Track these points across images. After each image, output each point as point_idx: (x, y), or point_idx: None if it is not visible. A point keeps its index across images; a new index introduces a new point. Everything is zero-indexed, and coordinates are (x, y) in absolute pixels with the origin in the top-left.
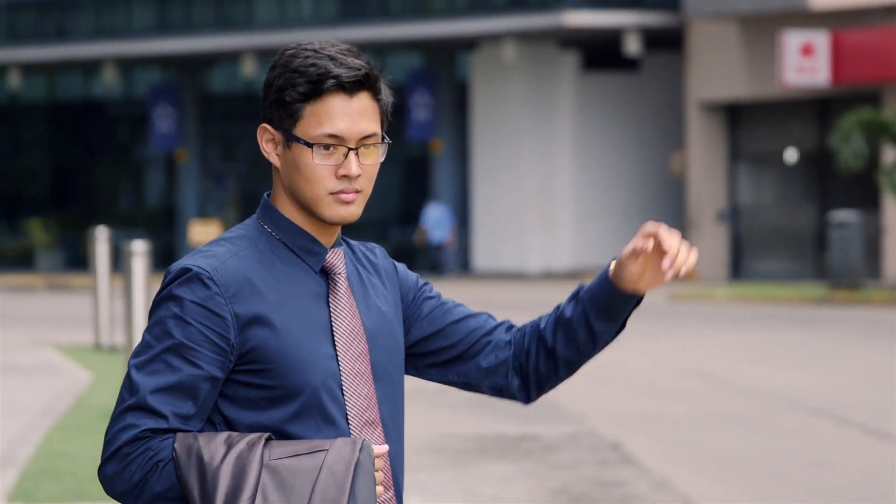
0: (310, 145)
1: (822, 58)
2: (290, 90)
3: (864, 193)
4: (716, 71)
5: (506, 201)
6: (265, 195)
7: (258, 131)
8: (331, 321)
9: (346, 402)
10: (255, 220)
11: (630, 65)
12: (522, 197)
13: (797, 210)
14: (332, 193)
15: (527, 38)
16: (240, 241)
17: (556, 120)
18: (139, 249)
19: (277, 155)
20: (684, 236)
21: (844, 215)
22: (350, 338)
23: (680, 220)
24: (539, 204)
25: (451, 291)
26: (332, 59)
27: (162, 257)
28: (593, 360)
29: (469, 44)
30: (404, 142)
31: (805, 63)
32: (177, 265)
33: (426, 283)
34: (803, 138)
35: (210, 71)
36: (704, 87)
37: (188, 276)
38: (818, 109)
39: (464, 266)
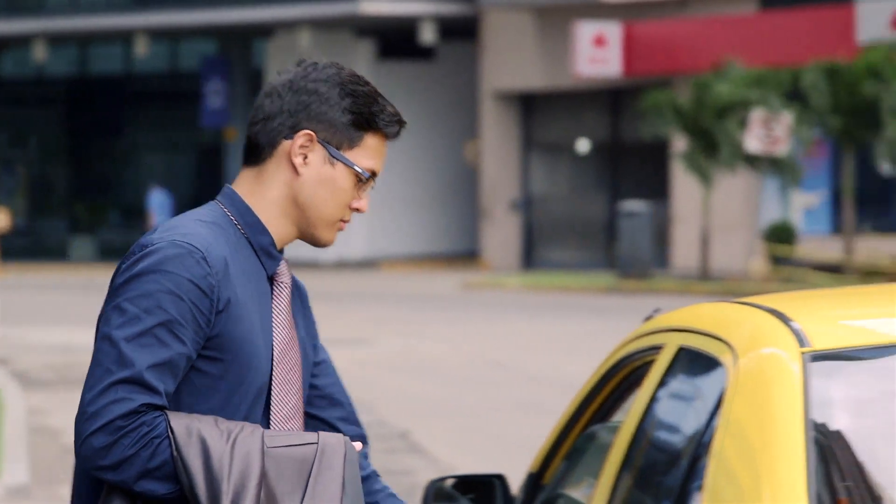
0: (361, 173)
1: (614, 49)
2: (361, 117)
3: (654, 184)
4: (510, 61)
5: None
6: (228, 187)
7: (300, 135)
8: (272, 328)
9: (272, 410)
10: (222, 210)
11: (425, 53)
12: None
13: (589, 200)
14: (340, 220)
15: (322, 25)
16: (213, 227)
17: None
18: None
19: (307, 164)
20: (478, 225)
21: (634, 205)
22: (286, 348)
23: (473, 209)
24: None
25: None
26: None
27: None
28: (385, 346)
29: (264, 31)
30: (198, 129)
31: (597, 54)
32: (160, 239)
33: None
34: (596, 128)
35: (0, 56)
36: (499, 76)
37: (181, 253)
38: (610, 100)
39: None
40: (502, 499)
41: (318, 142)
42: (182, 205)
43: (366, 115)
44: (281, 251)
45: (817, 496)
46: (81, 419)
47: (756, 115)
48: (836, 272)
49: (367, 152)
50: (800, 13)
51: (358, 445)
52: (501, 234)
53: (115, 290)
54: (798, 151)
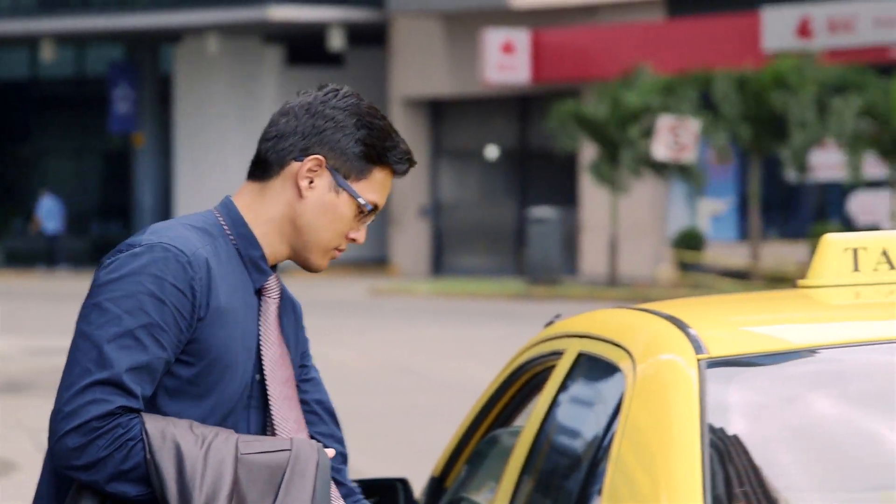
0: (364, 205)
1: (522, 56)
2: (374, 150)
3: (563, 191)
4: (419, 67)
5: (209, 194)
6: (228, 197)
7: (309, 159)
8: (259, 342)
9: (276, 425)
10: (216, 218)
11: (334, 60)
12: (226, 190)
13: (498, 206)
14: (334, 248)
15: (231, 31)
16: (203, 234)
17: (260, 114)
18: None
19: (312, 188)
20: (387, 231)
21: (543, 212)
22: (276, 362)
23: (383, 216)
24: None
25: None
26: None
27: None
28: None
29: (172, 36)
30: (106, 134)
31: (506, 61)
32: (148, 240)
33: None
34: (504, 135)
35: None
36: (407, 83)
37: (166, 256)
38: (519, 107)
39: None
40: (405, 502)
41: (327, 168)
42: (80, 211)
43: (378, 149)
44: (273, 267)
45: (713, 500)
46: (57, 417)
47: (663, 122)
48: (742, 278)
49: (374, 186)
50: (707, 20)
51: (331, 452)
52: (411, 240)
53: (97, 288)
54: (707, 158)
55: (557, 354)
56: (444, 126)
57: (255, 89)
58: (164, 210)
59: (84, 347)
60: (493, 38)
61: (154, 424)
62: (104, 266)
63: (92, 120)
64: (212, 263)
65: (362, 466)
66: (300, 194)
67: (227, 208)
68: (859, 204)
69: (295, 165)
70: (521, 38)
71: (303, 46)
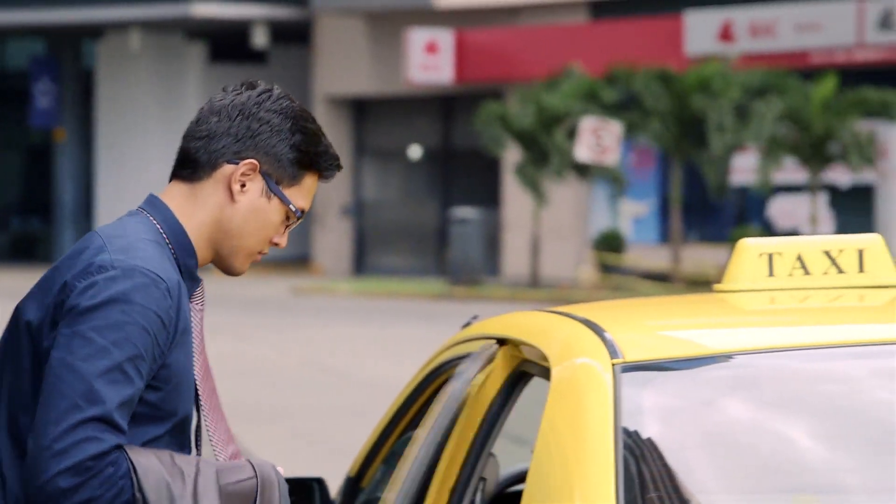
0: (294, 211)
1: (446, 56)
2: (307, 156)
3: (486, 191)
4: (342, 66)
5: (130, 191)
6: (160, 200)
7: (244, 163)
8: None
9: (212, 438)
10: (154, 225)
11: (257, 57)
12: (148, 187)
13: (420, 206)
14: (258, 252)
15: (153, 27)
16: (159, 248)
17: (183, 111)
18: None
19: (244, 192)
20: (310, 230)
21: (465, 212)
22: (205, 372)
23: (306, 217)
24: None
25: None
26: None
27: None
28: (214, 350)
29: (94, 31)
30: (26, 129)
31: (430, 61)
32: (119, 262)
33: None
34: (428, 135)
35: None
36: (331, 81)
37: (146, 283)
38: (442, 107)
39: None
40: (321, 502)
41: (260, 173)
42: (17, 208)
43: (311, 155)
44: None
45: (625, 500)
46: (46, 455)
47: (586, 124)
48: (663, 281)
49: (303, 191)
50: (630, 23)
51: (282, 470)
52: (333, 239)
53: (77, 315)
54: (629, 161)
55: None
56: (367, 125)
57: (178, 86)
58: (86, 206)
59: (70, 380)
60: (417, 37)
61: (139, 460)
62: (78, 290)
63: (12, 114)
64: (180, 283)
65: (280, 465)
66: (232, 198)
67: (163, 214)
68: (779, 208)
69: (228, 168)
70: (445, 38)
71: (226, 43)
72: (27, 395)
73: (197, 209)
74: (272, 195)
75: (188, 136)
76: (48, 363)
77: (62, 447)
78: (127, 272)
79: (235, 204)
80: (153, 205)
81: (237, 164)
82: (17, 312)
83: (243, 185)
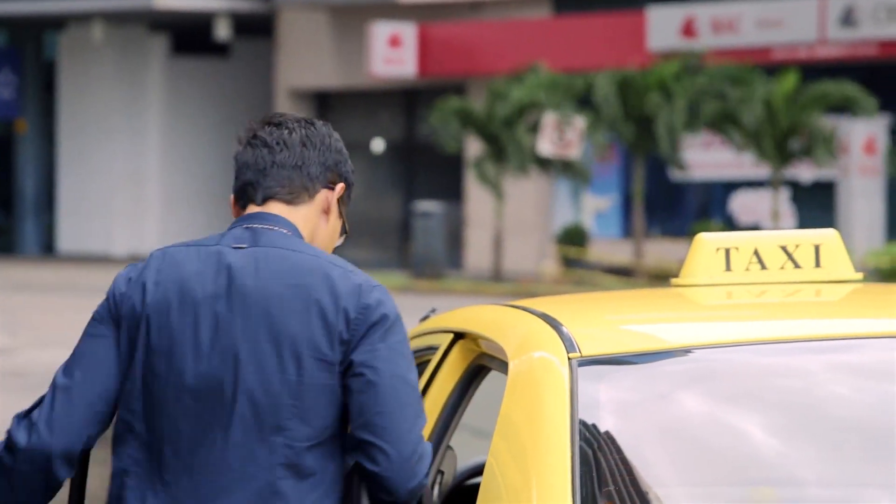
0: (347, 231)
1: (409, 50)
2: (351, 180)
3: (449, 185)
4: (305, 59)
5: (92, 183)
6: (279, 217)
7: (339, 188)
8: None
9: None
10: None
11: (220, 50)
12: (110, 179)
13: (383, 199)
14: None
15: (116, 18)
16: None
17: (146, 103)
18: None
19: (332, 213)
20: None
21: (428, 206)
22: None
23: None
24: (126, 187)
25: (34, 275)
26: None
27: None
28: None
29: (56, 23)
30: None
31: (393, 54)
32: (378, 283)
33: None
34: (391, 128)
35: None
36: (294, 74)
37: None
38: (405, 100)
39: (48, 248)
40: None
41: (343, 198)
42: None
43: (352, 180)
44: None
45: (582, 493)
46: (413, 458)
47: (549, 119)
48: (625, 275)
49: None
50: (593, 19)
51: None
52: None
53: (396, 328)
54: (590, 155)
55: (432, 350)
56: (330, 118)
57: (141, 78)
58: (47, 197)
59: (410, 393)
60: (380, 31)
61: None
62: (381, 302)
63: None
64: None
65: None
66: (326, 221)
67: (297, 232)
68: (741, 203)
69: (326, 193)
70: (408, 31)
71: (189, 36)
72: (288, 404)
73: (299, 227)
74: (340, 217)
75: (279, 165)
76: (371, 374)
77: (424, 451)
78: (383, 290)
79: (327, 227)
80: (283, 223)
81: (332, 189)
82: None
83: (331, 209)
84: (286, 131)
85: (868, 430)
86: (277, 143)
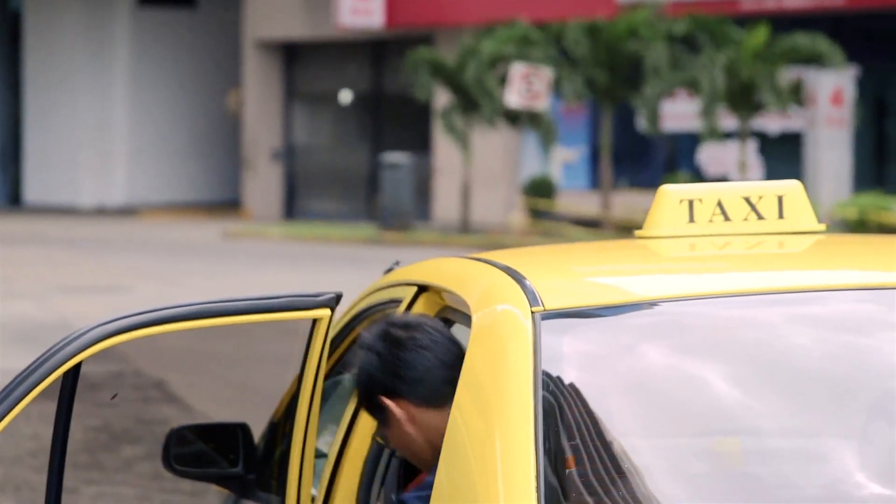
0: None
1: (376, 0)
2: None
3: (417, 136)
4: (273, 10)
5: (59, 135)
6: None
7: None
8: None
9: None
10: None
11: (187, 1)
12: (76, 131)
13: (351, 151)
14: None
15: None
16: None
17: (112, 55)
18: None
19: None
20: (240, 174)
21: (396, 157)
22: None
23: (235, 158)
24: (94, 139)
25: (0, 227)
26: None
27: None
28: (142, 294)
29: None
30: None
31: (360, 5)
32: None
33: None
34: (358, 80)
35: None
36: (261, 25)
37: None
38: (373, 51)
39: (14, 200)
40: (244, 447)
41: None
42: None
43: None
44: None
45: (545, 445)
46: None
47: (517, 70)
48: (593, 227)
49: None
50: None
51: None
52: (263, 183)
53: None
54: (557, 110)
55: (396, 302)
56: (298, 69)
57: (107, 29)
58: (13, 151)
59: None
60: None
61: None
62: None
63: None
64: None
65: (208, 410)
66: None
67: None
68: (709, 155)
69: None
70: None
71: None
72: None
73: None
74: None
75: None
76: None
77: None
78: None
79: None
80: None
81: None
82: None
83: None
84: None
85: (829, 381)
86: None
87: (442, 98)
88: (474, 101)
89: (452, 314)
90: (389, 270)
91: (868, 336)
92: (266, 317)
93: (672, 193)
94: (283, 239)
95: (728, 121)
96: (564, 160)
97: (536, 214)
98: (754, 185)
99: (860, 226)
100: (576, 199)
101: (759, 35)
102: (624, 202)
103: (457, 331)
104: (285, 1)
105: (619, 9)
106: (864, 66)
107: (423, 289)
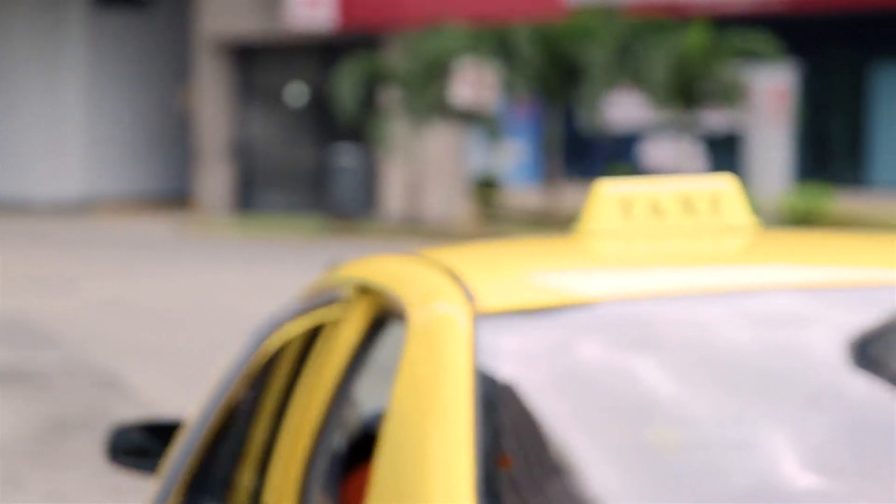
0: None
1: (327, 0)
2: None
3: (366, 132)
4: (226, 9)
5: (8, 138)
6: None
7: None
8: None
9: None
10: None
11: (140, 2)
12: (27, 134)
13: (301, 147)
14: None
15: None
16: None
17: (66, 51)
18: None
19: None
20: (192, 170)
21: (345, 153)
22: None
23: (187, 156)
24: (46, 137)
25: None
26: None
27: None
28: (96, 290)
29: None
30: None
31: (310, 5)
32: None
33: None
34: (310, 78)
35: None
36: (214, 24)
37: None
38: (324, 50)
39: None
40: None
41: None
42: None
43: None
44: None
45: (483, 443)
46: None
47: (461, 68)
48: (541, 222)
49: None
50: None
51: None
52: (215, 179)
53: None
54: (504, 104)
55: (334, 301)
56: (250, 67)
57: (61, 32)
58: None
59: None
60: None
61: None
62: None
63: None
64: None
65: (163, 403)
66: None
67: None
68: (651, 150)
69: None
70: None
71: None
72: None
73: None
74: None
75: None
76: None
77: None
78: None
79: None
80: None
81: None
82: None
83: None
84: None
85: (766, 376)
86: None
87: (387, 98)
88: (420, 99)
89: (391, 314)
90: (327, 267)
91: (803, 332)
92: None
93: (606, 190)
94: (233, 234)
95: (671, 116)
96: (511, 155)
97: (484, 208)
98: (689, 181)
99: (799, 221)
100: (523, 194)
101: (700, 31)
102: (570, 197)
103: (394, 331)
104: (238, 0)
105: (567, 11)
106: (811, 61)
107: (362, 288)
